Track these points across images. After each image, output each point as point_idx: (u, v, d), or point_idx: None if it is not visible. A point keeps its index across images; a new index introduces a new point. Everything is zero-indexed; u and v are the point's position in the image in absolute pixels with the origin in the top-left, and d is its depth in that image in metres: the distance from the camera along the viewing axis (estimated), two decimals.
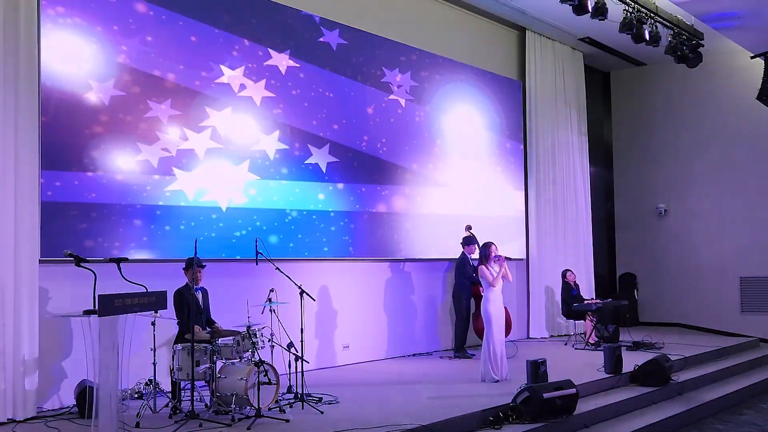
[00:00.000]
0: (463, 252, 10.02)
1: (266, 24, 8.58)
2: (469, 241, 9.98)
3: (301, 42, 8.93)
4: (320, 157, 9.02)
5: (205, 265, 6.82)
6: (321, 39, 9.19)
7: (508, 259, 8.76)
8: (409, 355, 10.06)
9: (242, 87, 8.26)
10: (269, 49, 8.58)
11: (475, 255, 9.95)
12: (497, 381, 7.78)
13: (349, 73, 9.53)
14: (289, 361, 6.78)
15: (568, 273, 11.54)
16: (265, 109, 8.49)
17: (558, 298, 12.06)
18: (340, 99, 9.39)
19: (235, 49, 8.22)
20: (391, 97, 10.08)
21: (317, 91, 9.09)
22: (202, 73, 7.89)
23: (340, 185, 9.26)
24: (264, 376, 6.06)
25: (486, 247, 8.11)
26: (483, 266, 8.03)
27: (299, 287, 6.93)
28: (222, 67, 8.07)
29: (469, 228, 10.41)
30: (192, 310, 6.26)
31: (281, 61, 8.69)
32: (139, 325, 5.77)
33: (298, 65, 8.87)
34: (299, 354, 6.68)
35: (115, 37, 7.19)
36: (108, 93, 7.10)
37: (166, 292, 5.34)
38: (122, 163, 7.18)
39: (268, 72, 8.55)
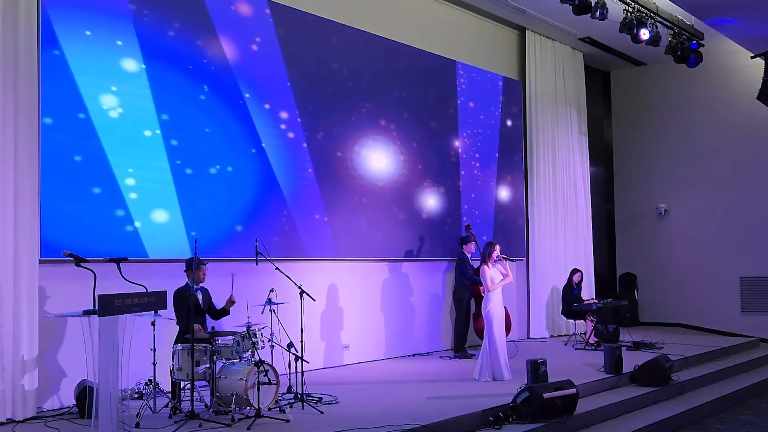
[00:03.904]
0: (462, 252, 10.03)
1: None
2: (466, 240, 9.99)
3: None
4: None
5: (206, 263, 6.82)
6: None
7: (510, 260, 8.78)
8: (409, 355, 10.06)
9: None
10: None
11: (475, 252, 9.98)
12: (492, 381, 7.81)
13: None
14: (289, 361, 6.78)
15: (576, 273, 11.49)
16: None
17: (558, 298, 12.05)
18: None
19: None
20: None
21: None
22: None
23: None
24: (264, 376, 6.06)
25: (489, 247, 8.15)
26: (485, 266, 8.07)
27: (299, 287, 6.93)
28: None
29: (468, 228, 10.41)
30: (192, 310, 6.25)
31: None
32: (139, 325, 5.76)
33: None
34: (299, 354, 6.68)
35: None
36: None
37: (166, 292, 5.33)
38: None
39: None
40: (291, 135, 8.77)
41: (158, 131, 7.51)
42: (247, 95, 8.33)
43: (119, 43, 7.24)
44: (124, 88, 7.25)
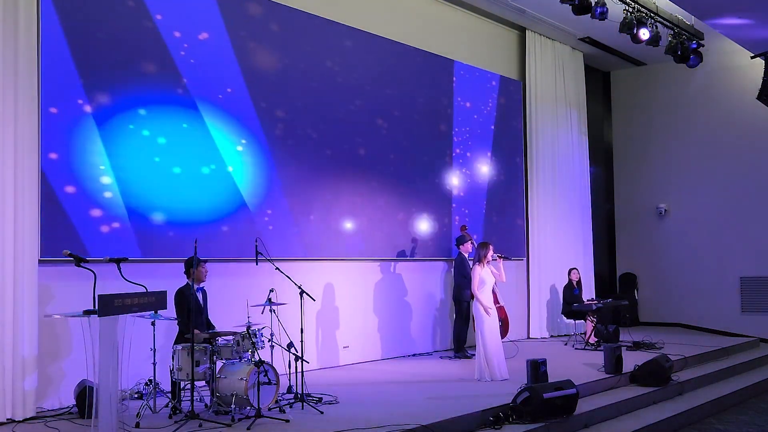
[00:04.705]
0: (459, 252, 10.01)
1: None
2: (462, 240, 9.97)
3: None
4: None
5: (206, 261, 6.81)
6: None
7: (506, 258, 8.76)
8: (408, 356, 10.06)
9: None
10: None
11: (471, 252, 9.94)
12: (492, 381, 7.81)
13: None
14: (289, 361, 6.78)
15: (573, 271, 11.53)
16: None
17: (559, 297, 12.08)
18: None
19: None
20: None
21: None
22: None
23: None
24: (264, 376, 6.06)
25: (483, 248, 8.14)
26: (477, 266, 8.07)
27: (299, 287, 6.93)
28: None
29: (464, 228, 10.40)
30: (192, 310, 6.24)
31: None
32: (139, 325, 5.76)
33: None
34: (299, 354, 6.68)
35: None
36: None
37: (166, 292, 5.32)
38: None
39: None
40: (278, 132, 8.62)
41: (132, 126, 7.30)
42: (229, 90, 8.14)
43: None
44: (98, 80, 7.01)
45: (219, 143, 8.03)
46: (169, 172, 7.59)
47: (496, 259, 8.26)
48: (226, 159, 8.08)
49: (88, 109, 6.98)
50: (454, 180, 11.00)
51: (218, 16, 8.12)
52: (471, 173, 11.32)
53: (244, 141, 8.26)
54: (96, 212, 6.99)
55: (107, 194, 7.08)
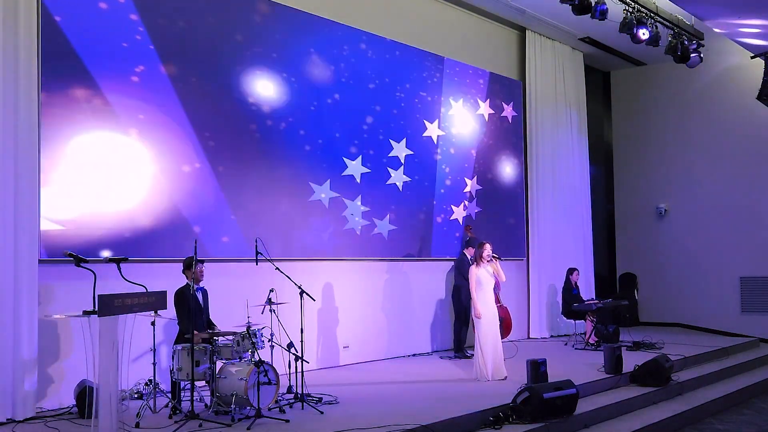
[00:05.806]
0: (462, 252, 10.00)
1: None
2: (470, 243, 9.94)
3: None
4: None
5: (203, 261, 6.80)
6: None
7: (497, 258, 8.65)
8: (408, 356, 10.06)
9: None
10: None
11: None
12: (491, 381, 7.81)
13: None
14: (289, 361, 6.78)
15: (575, 272, 11.51)
16: None
17: (558, 298, 12.09)
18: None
19: None
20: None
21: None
22: None
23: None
24: (264, 376, 6.06)
25: (479, 248, 8.09)
26: (473, 267, 8.04)
27: (299, 287, 6.93)
28: None
29: (469, 228, 10.39)
30: (192, 310, 6.24)
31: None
32: (139, 325, 5.76)
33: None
34: (299, 354, 6.68)
35: None
36: None
37: (166, 292, 5.33)
38: None
39: None
40: (253, 126, 8.35)
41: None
42: (194, 79, 7.75)
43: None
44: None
45: (189, 136, 7.70)
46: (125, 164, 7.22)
47: (492, 260, 8.14)
48: (201, 156, 7.80)
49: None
50: (443, 178, 10.91)
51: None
52: (464, 171, 11.30)
53: (207, 133, 7.88)
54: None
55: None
